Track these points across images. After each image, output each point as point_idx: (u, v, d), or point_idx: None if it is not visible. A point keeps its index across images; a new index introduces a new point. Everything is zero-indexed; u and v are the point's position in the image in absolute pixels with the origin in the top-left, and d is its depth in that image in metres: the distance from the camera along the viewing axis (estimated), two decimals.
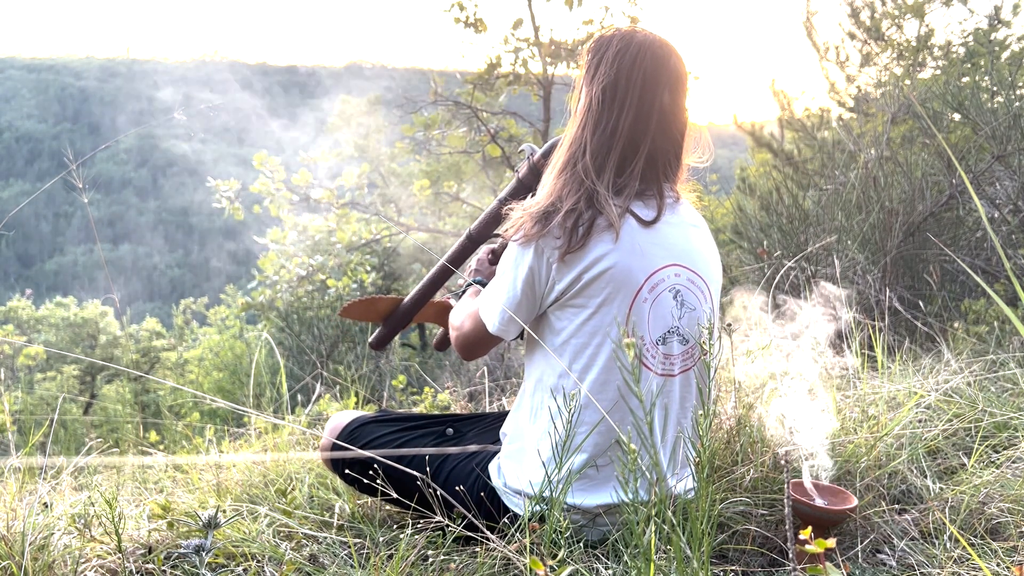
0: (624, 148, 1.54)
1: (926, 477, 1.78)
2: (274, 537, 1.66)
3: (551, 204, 1.53)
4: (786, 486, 1.29)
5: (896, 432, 1.90)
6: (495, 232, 1.96)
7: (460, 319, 1.77)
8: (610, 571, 1.39)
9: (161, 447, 3.43)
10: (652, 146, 1.56)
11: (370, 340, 2.24)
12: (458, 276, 2.04)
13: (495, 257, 2.01)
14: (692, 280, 1.57)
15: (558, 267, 1.51)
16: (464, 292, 1.92)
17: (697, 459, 1.22)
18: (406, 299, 2.14)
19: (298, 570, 1.49)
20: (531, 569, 1.11)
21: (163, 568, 1.51)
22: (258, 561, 1.53)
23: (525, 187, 1.87)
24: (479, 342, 1.71)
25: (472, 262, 2.04)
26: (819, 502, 1.53)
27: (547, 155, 1.79)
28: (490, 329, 1.62)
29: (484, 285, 1.92)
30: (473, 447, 1.71)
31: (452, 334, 1.80)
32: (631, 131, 1.54)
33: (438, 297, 2.15)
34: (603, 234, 1.50)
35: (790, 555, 1.24)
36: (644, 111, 1.54)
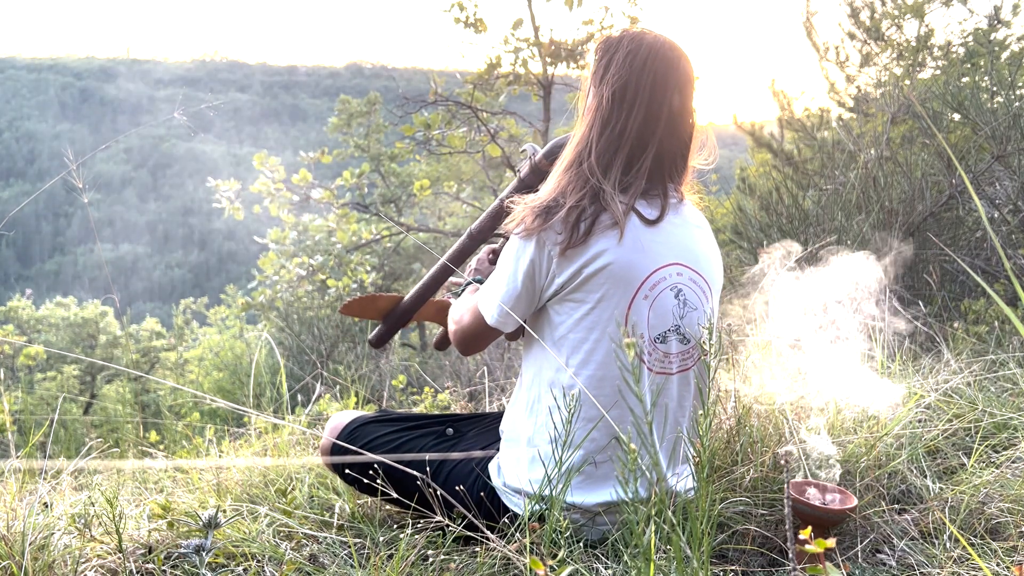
0: (632, 148, 1.55)
1: (926, 477, 1.78)
2: (274, 537, 1.66)
3: (553, 200, 1.54)
4: (786, 486, 1.29)
5: (896, 432, 1.90)
6: (496, 231, 1.96)
7: (459, 313, 1.77)
8: (610, 571, 1.39)
9: (161, 447, 3.43)
10: (660, 147, 1.56)
11: (369, 338, 2.24)
12: (458, 275, 2.04)
13: (495, 257, 2.01)
14: (694, 280, 1.58)
15: (559, 261, 1.51)
16: (463, 291, 1.93)
17: (697, 459, 1.22)
18: (406, 297, 2.14)
19: (298, 570, 1.49)
20: (531, 569, 1.11)
21: (163, 568, 1.51)
22: (258, 561, 1.53)
23: (526, 186, 1.87)
24: (478, 335, 1.72)
25: (472, 261, 2.04)
26: (820, 499, 1.53)
27: (548, 155, 1.80)
28: (489, 321, 1.62)
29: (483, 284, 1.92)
30: (475, 453, 1.71)
31: (451, 328, 1.80)
32: (640, 132, 1.55)
33: (438, 296, 2.15)
34: (607, 231, 1.50)
35: (790, 555, 1.24)
36: (653, 113, 1.55)
